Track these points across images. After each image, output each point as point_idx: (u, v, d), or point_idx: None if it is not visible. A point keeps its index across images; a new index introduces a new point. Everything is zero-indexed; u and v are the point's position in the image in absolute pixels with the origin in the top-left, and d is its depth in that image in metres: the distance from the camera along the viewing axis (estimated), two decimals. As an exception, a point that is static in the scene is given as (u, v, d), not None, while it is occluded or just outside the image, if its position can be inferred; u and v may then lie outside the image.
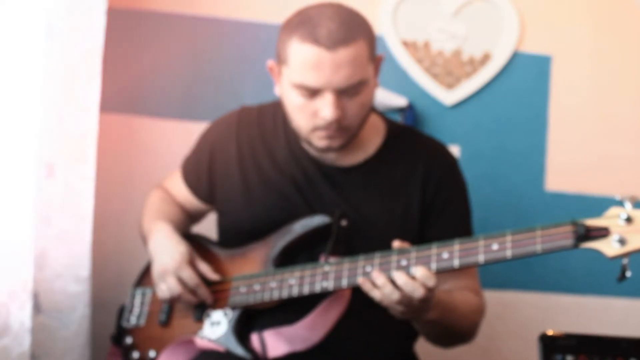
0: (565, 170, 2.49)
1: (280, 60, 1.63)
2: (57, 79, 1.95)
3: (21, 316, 1.91)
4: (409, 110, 2.39)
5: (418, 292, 1.44)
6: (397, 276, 1.46)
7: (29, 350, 1.92)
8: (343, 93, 1.58)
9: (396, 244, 1.51)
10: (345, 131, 1.63)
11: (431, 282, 1.44)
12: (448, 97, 2.45)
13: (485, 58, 2.46)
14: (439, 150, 1.78)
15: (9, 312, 1.90)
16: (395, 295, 1.45)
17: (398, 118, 2.37)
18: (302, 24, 1.58)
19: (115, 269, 2.24)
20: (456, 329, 1.66)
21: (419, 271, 1.45)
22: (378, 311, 1.69)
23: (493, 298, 2.41)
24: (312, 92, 1.58)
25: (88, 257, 2.01)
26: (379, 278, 1.47)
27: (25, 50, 1.91)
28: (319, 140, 1.64)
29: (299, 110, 1.62)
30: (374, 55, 1.64)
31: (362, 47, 1.57)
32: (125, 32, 2.32)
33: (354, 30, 1.57)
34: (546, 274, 2.48)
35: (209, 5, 2.37)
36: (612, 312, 2.50)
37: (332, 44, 1.54)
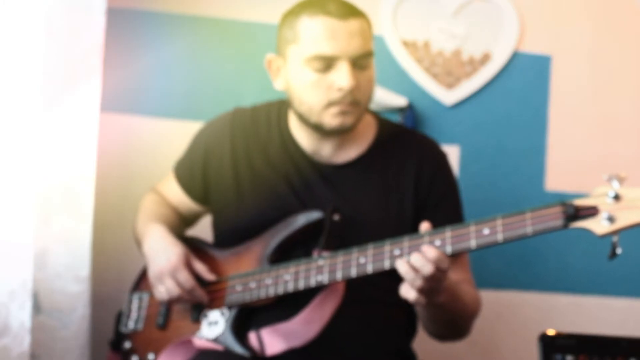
0: (565, 170, 2.49)
1: (287, 43, 1.67)
2: (57, 79, 1.95)
3: (21, 316, 1.91)
4: (408, 110, 2.39)
5: (427, 268, 1.44)
6: (412, 257, 1.45)
7: (28, 350, 1.92)
8: (355, 64, 1.63)
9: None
10: (356, 107, 1.66)
11: (444, 264, 1.44)
12: (448, 97, 2.45)
13: (485, 58, 2.46)
14: (430, 146, 1.81)
15: (9, 312, 1.90)
16: (417, 282, 1.46)
17: (398, 118, 2.37)
18: (307, 5, 1.65)
19: (115, 269, 2.24)
20: (460, 317, 1.68)
21: (431, 252, 1.44)
22: (374, 308, 1.70)
23: (493, 298, 2.41)
24: (326, 65, 1.62)
25: (88, 257, 2.01)
26: (402, 265, 1.46)
27: (25, 50, 1.91)
28: (332, 118, 1.66)
29: (312, 87, 1.64)
30: (372, 37, 1.70)
31: (365, 24, 1.66)
32: (125, 32, 2.32)
33: (356, 8, 1.66)
34: (546, 273, 2.48)
35: (209, 5, 2.37)
36: (612, 312, 2.50)
37: (343, 14, 1.62)
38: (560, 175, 2.49)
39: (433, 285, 1.47)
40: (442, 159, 1.80)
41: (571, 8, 2.51)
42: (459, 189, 1.80)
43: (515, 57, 2.47)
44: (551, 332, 1.37)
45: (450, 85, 2.45)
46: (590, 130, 2.51)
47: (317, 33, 1.61)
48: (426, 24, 2.45)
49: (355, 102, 1.65)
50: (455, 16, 2.45)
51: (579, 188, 2.48)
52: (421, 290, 1.47)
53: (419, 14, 2.44)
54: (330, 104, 1.65)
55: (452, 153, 2.41)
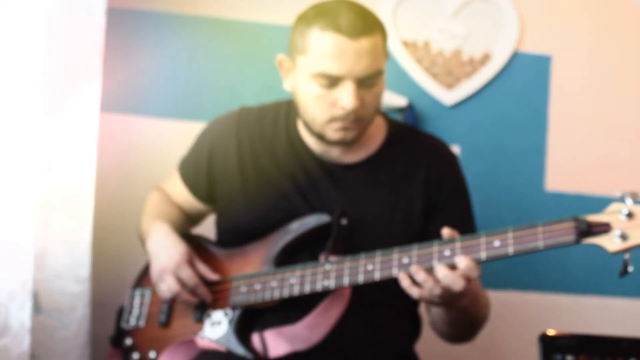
0: (565, 170, 2.49)
1: (297, 51, 1.64)
2: (57, 79, 1.95)
3: (21, 316, 1.91)
4: (409, 110, 2.39)
5: (458, 284, 1.43)
6: (437, 269, 1.44)
7: (28, 350, 1.91)
8: (361, 83, 1.60)
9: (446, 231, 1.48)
10: (360, 122, 1.65)
11: (475, 272, 1.43)
12: (448, 97, 2.44)
13: (485, 58, 2.46)
14: (439, 147, 1.81)
15: (8, 312, 1.90)
16: (437, 290, 1.44)
17: (398, 118, 2.37)
18: (321, 14, 1.61)
19: (115, 269, 2.24)
20: (476, 320, 1.68)
21: (463, 262, 1.43)
22: (379, 311, 1.70)
23: (494, 298, 2.39)
24: (332, 82, 1.60)
25: (88, 257, 2.01)
26: (419, 273, 1.45)
27: (25, 50, 1.91)
28: (334, 133, 1.65)
29: (316, 100, 1.63)
30: (387, 50, 1.67)
31: (379, 39, 1.61)
32: (125, 32, 2.32)
33: (372, 22, 1.61)
34: (547, 273, 2.48)
35: (209, 5, 2.37)
36: (612, 312, 2.50)
37: (355, 33, 1.57)
38: (560, 175, 2.49)
39: (458, 294, 1.46)
40: (451, 159, 1.80)
41: (571, 8, 2.51)
42: (468, 189, 1.79)
43: (515, 57, 2.47)
44: (551, 332, 1.37)
45: (450, 85, 2.45)
46: (590, 130, 2.51)
47: (325, 50, 1.58)
48: (426, 24, 2.45)
49: (359, 119, 1.64)
50: (455, 16, 2.45)
51: (579, 188, 2.48)
52: (440, 297, 1.46)
53: (419, 14, 2.44)
54: (333, 120, 1.64)
55: (452, 153, 2.41)
